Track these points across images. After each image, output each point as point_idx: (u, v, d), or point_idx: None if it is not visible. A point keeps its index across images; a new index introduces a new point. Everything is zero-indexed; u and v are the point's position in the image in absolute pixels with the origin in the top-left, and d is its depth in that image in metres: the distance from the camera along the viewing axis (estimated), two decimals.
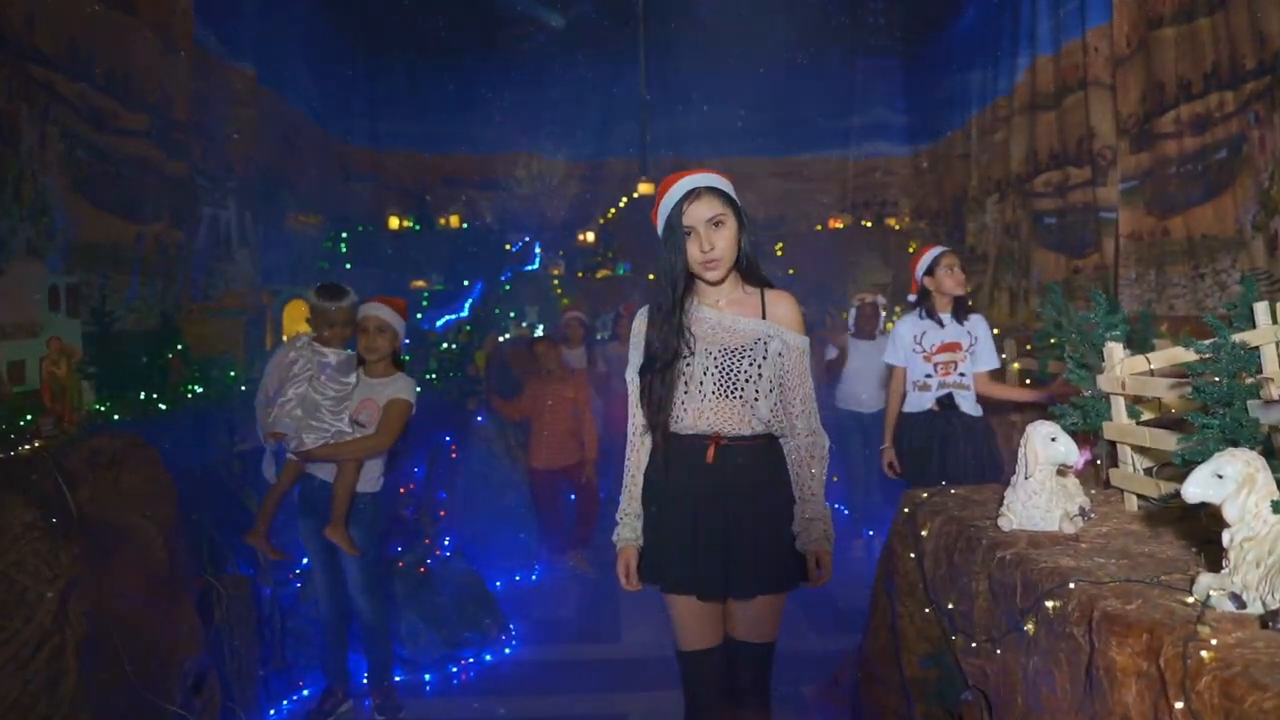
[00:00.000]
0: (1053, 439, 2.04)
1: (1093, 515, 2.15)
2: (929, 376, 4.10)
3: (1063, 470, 2.12)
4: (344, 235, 9.71)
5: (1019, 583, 1.85)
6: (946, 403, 4.09)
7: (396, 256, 9.97)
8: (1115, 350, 2.26)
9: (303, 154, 8.86)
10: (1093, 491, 2.41)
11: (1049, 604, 1.70)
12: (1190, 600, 1.52)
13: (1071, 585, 1.66)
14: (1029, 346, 5.37)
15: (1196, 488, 1.51)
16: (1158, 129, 5.55)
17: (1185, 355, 2.23)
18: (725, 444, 2.27)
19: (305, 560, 3.73)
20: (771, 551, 2.27)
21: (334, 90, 9.40)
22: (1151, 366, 2.23)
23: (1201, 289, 5.30)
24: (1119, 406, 2.26)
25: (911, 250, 9.68)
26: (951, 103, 8.78)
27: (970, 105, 8.33)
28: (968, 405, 4.11)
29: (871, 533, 5.90)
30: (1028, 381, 5.03)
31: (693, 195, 2.27)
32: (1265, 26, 4.60)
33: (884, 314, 5.97)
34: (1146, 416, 2.27)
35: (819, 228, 10.37)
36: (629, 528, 2.40)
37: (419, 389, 6.10)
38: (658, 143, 10.44)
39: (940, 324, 4.13)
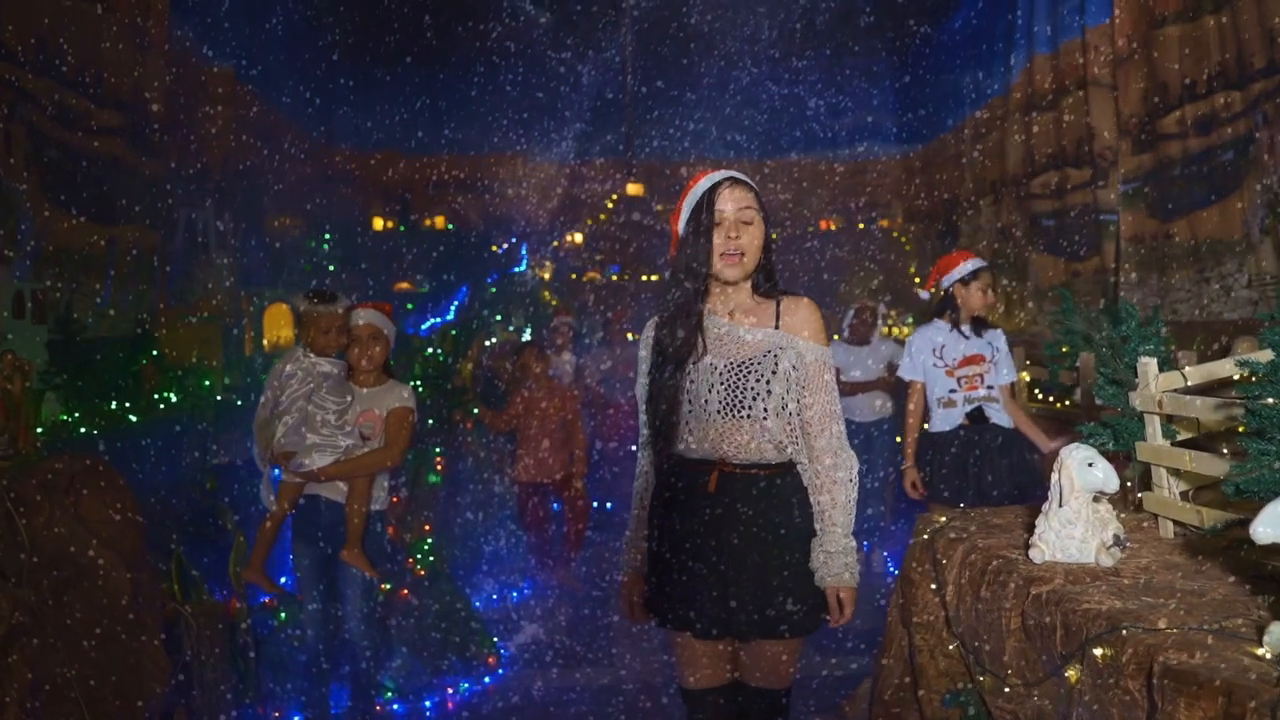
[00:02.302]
0: (1090, 464, 1.88)
1: (1129, 544, 2.00)
2: (953, 392, 3.90)
3: (1096, 496, 1.97)
4: (326, 237, 9.50)
5: (1059, 624, 1.69)
6: (976, 416, 3.90)
7: (380, 259, 9.77)
8: (1150, 366, 2.11)
9: (284, 154, 8.64)
10: (1122, 515, 2.26)
11: (1097, 652, 1.54)
12: (1260, 652, 1.36)
13: (1123, 632, 1.50)
14: (1027, 361, 5.23)
15: (1269, 528, 1.35)
16: (1161, 130, 5.43)
17: (1224, 370, 2.09)
18: (730, 472, 2.09)
19: (284, 580, 3.53)
20: (780, 592, 2.08)
21: (316, 89, 9.18)
22: (1188, 383, 2.09)
23: (1207, 294, 5.18)
24: (1154, 426, 2.11)
25: (907, 246, 9.57)
26: (945, 103, 8.66)
27: (964, 106, 8.20)
28: (998, 417, 3.92)
29: (869, 545, 5.75)
30: (1036, 393, 4.89)
31: (726, 183, 2.13)
32: (1274, 24, 4.48)
33: (881, 321, 5.80)
34: (1183, 436, 2.12)
35: (809, 230, 10.23)
36: (634, 555, 2.25)
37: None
38: (645, 144, 10.28)
39: (963, 335, 3.94)
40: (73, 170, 5.18)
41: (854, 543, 2.14)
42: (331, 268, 9.15)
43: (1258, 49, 4.62)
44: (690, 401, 2.10)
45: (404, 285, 9.72)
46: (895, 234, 9.99)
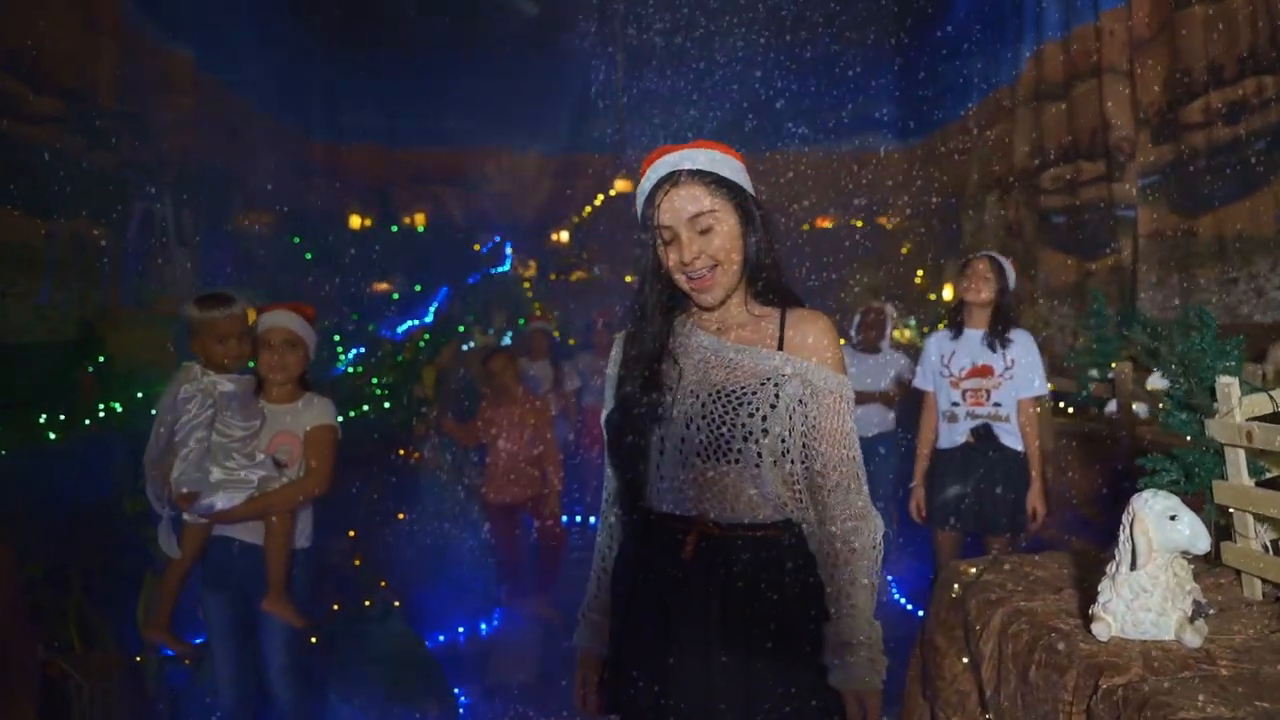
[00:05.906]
0: (1172, 517, 1.47)
1: (1211, 610, 1.58)
2: (955, 405, 3.56)
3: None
4: (299, 235, 9.08)
5: None
6: (982, 434, 3.53)
7: (357, 258, 9.36)
8: (1232, 388, 1.69)
9: (252, 146, 8.21)
10: (1193, 567, 1.85)
11: None
12: None
13: None
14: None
15: None
16: (1184, 119, 5.05)
17: None
18: (713, 533, 1.61)
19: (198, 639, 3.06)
20: (780, 690, 1.60)
21: (289, 79, 8.73)
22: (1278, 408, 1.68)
23: (1234, 294, 4.80)
24: (1238, 462, 1.70)
25: (907, 245, 9.19)
26: (948, 93, 8.31)
27: (969, 96, 7.85)
28: (1007, 438, 3.53)
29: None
30: (1061, 404, 4.47)
31: (669, 183, 1.63)
32: None
33: (892, 324, 5.35)
34: (1273, 473, 1.71)
35: (806, 227, 9.84)
36: (591, 630, 1.79)
37: (365, 408, 5.52)
38: (635, 137, 9.88)
39: (970, 343, 3.57)
40: (4, 160, 4.80)
41: (880, 631, 1.65)
42: (307, 261, 8.75)
43: None
44: (663, 443, 1.64)
45: (382, 286, 9.31)
46: (895, 231, 9.59)
